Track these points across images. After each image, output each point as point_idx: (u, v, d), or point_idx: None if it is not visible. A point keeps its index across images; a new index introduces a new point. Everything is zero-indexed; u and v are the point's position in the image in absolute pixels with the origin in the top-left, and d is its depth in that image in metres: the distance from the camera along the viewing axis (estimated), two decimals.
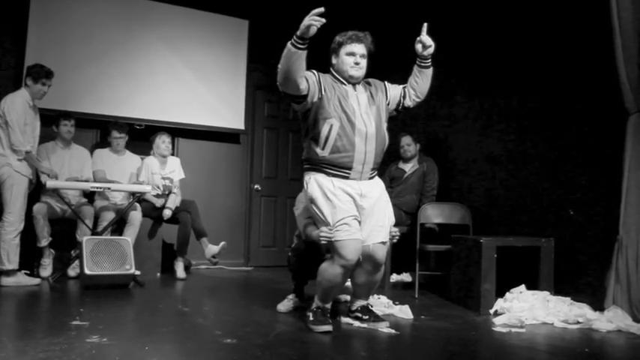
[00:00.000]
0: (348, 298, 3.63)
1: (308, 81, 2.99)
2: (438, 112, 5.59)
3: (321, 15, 2.69)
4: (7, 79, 5.26)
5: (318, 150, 3.09)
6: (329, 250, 3.13)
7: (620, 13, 3.59)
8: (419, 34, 3.12)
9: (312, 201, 3.12)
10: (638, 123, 3.62)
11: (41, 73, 4.39)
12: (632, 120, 3.64)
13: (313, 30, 2.72)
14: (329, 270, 3.05)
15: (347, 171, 3.08)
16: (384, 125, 3.22)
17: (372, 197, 3.13)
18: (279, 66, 2.90)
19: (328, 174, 3.09)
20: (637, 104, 3.61)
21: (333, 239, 2.99)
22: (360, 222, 3.08)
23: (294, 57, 2.81)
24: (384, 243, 3.15)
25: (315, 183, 3.11)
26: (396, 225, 4.74)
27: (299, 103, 3.08)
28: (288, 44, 2.81)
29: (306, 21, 2.71)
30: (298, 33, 2.75)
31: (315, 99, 3.06)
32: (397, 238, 3.30)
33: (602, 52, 3.82)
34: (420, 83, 3.23)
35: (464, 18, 5.27)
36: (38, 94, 4.43)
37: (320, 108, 3.07)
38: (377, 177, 3.27)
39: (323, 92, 3.06)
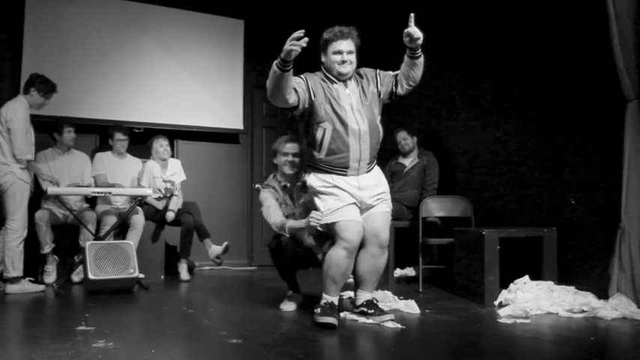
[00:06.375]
0: (352, 294, 3.63)
1: (297, 90, 3.07)
2: (437, 105, 5.59)
3: (301, 38, 2.74)
4: (4, 89, 5.25)
5: (315, 153, 3.19)
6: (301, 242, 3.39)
7: None
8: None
9: (314, 193, 3.23)
10: (636, 110, 3.62)
11: (48, 87, 4.42)
12: (630, 107, 3.64)
13: (295, 54, 2.78)
14: (333, 255, 3.13)
15: (344, 169, 3.17)
16: (378, 119, 3.25)
17: (371, 186, 3.22)
18: (267, 83, 2.97)
19: (327, 172, 3.19)
20: (635, 91, 3.60)
21: (329, 221, 3.12)
22: (360, 208, 3.20)
23: (279, 78, 2.89)
24: (386, 213, 3.25)
25: (314, 177, 3.22)
26: (397, 219, 4.80)
27: (291, 111, 3.18)
28: (274, 65, 2.87)
29: (287, 46, 2.77)
30: (282, 56, 2.81)
31: (307, 105, 3.14)
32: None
33: (599, 40, 3.81)
34: (412, 73, 3.20)
35: (461, 7, 5.25)
36: (39, 106, 4.45)
37: (312, 113, 3.15)
38: (376, 167, 3.34)
39: (313, 97, 3.13)
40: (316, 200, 3.22)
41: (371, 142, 3.18)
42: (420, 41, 3.04)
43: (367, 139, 3.15)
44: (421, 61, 3.17)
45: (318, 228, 3.22)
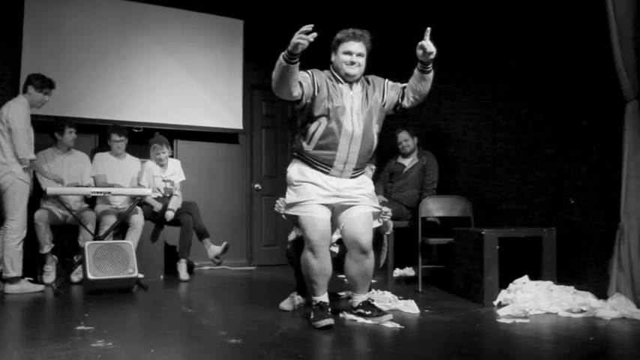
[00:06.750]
0: (350, 293, 3.63)
1: (302, 84, 3.06)
2: (437, 105, 5.58)
3: (309, 32, 2.74)
4: (4, 89, 5.25)
5: (304, 144, 3.20)
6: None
7: None
8: (421, 32, 3.05)
9: (289, 184, 3.26)
10: (636, 110, 3.62)
11: (45, 83, 4.42)
12: (629, 107, 3.64)
13: (302, 47, 2.77)
14: (303, 258, 3.18)
15: (328, 167, 3.18)
16: (375, 127, 3.25)
17: (350, 188, 3.21)
18: (273, 75, 2.97)
19: (311, 165, 3.19)
20: (634, 91, 3.61)
21: (289, 213, 3.20)
22: (332, 210, 3.20)
23: (285, 70, 2.89)
24: (366, 214, 3.21)
25: (296, 168, 3.24)
26: (397, 219, 4.81)
27: (294, 105, 3.19)
28: (280, 57, 2.87)
29: (294, 39, 2.76)
30: (289, 48, 2.81)
31: (309, 100, 3.13)
32: (388, 216, 3.47)
33: (599, 40, 3.81)
34: (420, 87, 3.21)
35: (462, 8, 5.25)
36: (39, 103, 4.45)
37: (312, 108, 3.15)
38: (363, 176, 3.34)
39: (316, 93, 3.13)
40: (288, 190, 3.26)
41: (361, 148, 3.18)
42: (433, 56, 3.04)
43: (358, 143, 3.16)
44: (431, 76, 3.18)
45: (282, 216, 3.36)
